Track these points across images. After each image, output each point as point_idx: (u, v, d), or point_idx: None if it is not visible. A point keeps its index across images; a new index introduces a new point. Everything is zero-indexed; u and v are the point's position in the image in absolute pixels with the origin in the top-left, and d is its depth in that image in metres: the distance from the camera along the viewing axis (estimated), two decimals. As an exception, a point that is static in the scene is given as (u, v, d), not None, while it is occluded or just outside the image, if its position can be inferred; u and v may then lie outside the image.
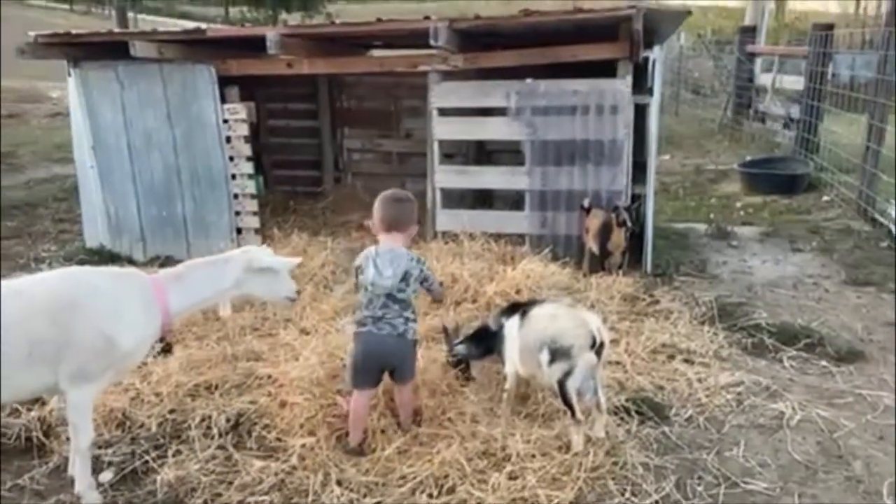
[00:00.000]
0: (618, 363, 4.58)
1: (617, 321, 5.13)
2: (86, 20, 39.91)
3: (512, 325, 3.86)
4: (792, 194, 9.39)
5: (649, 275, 6.17)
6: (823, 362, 4.69)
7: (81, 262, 6.94)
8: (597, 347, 3.55)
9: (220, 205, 6.82)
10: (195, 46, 6.68)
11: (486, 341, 4.06)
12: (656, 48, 6.44)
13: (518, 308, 3.93)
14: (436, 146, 6.44)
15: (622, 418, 3.98)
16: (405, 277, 3.52)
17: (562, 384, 3.57)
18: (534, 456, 3.52)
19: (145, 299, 3.39)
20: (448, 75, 6.37)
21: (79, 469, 3.40)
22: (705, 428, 3.97)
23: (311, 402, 3.87)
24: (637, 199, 6.28)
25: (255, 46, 6.34)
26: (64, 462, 3.68)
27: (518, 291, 5.08)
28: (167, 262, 6.92)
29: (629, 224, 5.89)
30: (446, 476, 3.40)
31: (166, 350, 3.74)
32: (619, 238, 5.85)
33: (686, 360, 4.65)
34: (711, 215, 8.64)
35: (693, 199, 9.80)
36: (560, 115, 6.18)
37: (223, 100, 6.69)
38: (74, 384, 3.24)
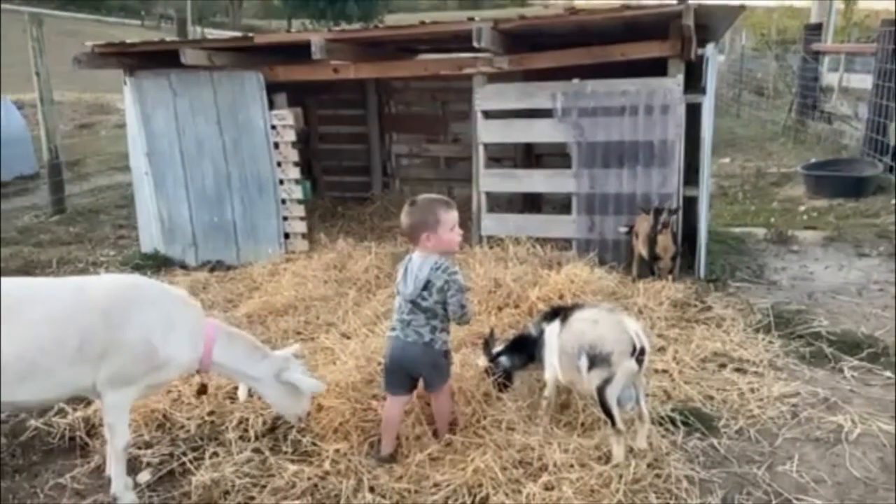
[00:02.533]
0: (664, 371, 4.40)
1: (665, 328, 4.94)
2: (154, 34, 41.44)
3: (552, 330, 3.74)
4: (859, 197, 8.94)
5: (702, 280, 5.94)
6: (888, 373, 4.40)
7: (137, 267, 7.17)
8: (637, 354, 3.41)
9: (268, 210, 6.90)
10: (244, 54, 6.78)
11: (528, 349, 3.94)
12: (710, 45, 6.22)
13: (559, 312, 3.81)
14: (481, 149, 6.36)
15: (667, 429, 3.81)
16: (427, 286, 3.38)
17: (601, 392, 3.44)
18: (572, 466, 3.39)
19: (195, 330, 3.46)
20: (493, 77, 6.29)
21: (114, 470, 3.43)
22: (756, 441, 3.76)
23: (346, 406, 3.82)
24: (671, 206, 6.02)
25: (303, 53, 6.38)
26: (105, 462, 3.73)
27: (561, 297, 4.94)
28: (217, 266, 7.05)
29: (671, 227, 5.65)
30: (480, 485, 3.30)
31: (201, 391, 3.79)
32: (666, 241, 5.65)
33: (738, 370, 4.44)
34: (772, 219, 8.31)
35: (753, 203, 9.45)
36: (608, 116, 6.02)
37: (271, 106, 6.77)
38: (113, 386, 3.29)
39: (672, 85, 5.84)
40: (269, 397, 3.71)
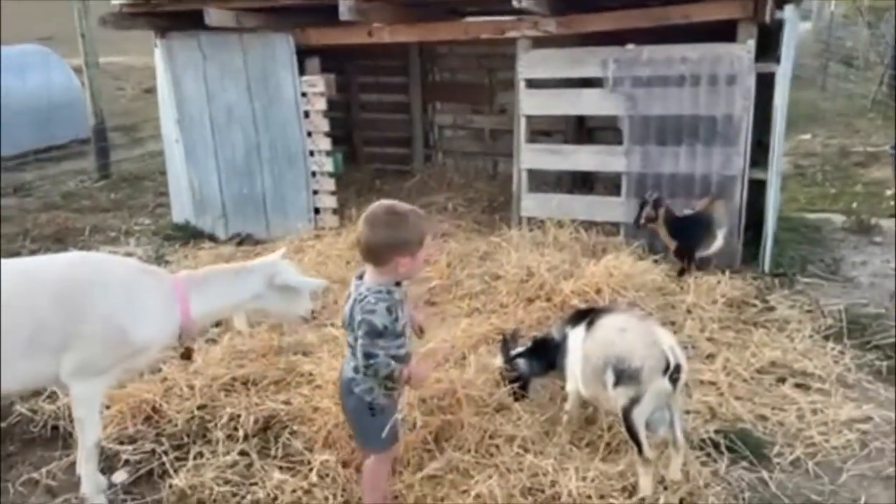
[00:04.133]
0: (711, 384, 3.85)
1: (717, 330, 4.37)
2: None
3: (576, 336, 3.25)
4: (957, 181, 7.98)
5: (766, 275, 5.29)
6: (984, 398, 3.73)
7: (167, 238, 6.96)
8: (671, 373, 2.88)
9: (297, 183, 6.54)
10: (274, 15, 6.36)
11: (549, 354, 3.45)
12: (789, 7, 5.45)
13: (585, 315, 3.31)
14: (523, 122, 5.81)
15: (708, 455, 3.29)
16: (350, 322, 2.65)
17: (627, 413, 2.94)
18: (589, 497, 2.93)
19: (166, 297, 3.14)
20: (539, 43, 5.71)
21: (85, 468, 3.16)
22: (815, 476, 3.20)
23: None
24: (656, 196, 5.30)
25: (337, 14, 5.93)
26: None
27: (598, 291, 4.40)
28: (247, 240, 6.77)
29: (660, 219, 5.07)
30: (481, 514, 2.88)
31: (186, 356, 3.44)
32: (664, 235, 5.10)
33: (799, 385, 3.85)
34: (854, 205, 7.47)
35: (833, 186, 8.57)
36: (665, 87, 5.37)
37: (304, 72, 6.36)
38: (80, 377, 3.00)
39: (741, 52, 5.14)
40: (270, 310, 3.47)
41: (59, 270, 3.06)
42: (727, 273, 5.02)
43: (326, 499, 3.05)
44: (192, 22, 6.45)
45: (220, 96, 6.62)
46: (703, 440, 3.36)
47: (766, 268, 5.37)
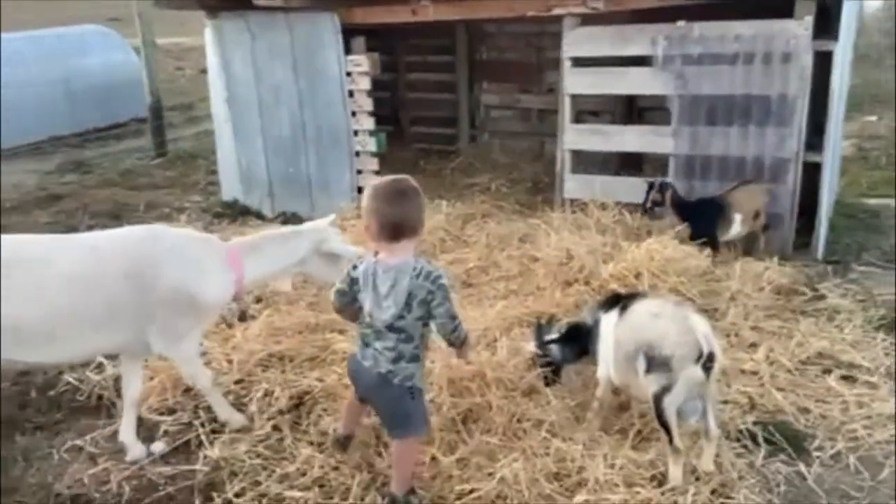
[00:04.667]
0: (753, 373, 3.73)
1: (762, 319, 4.22)
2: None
3: (609, 321, 3.19)
4: None
5: (819, 262, 5.09)
6: None
7: (217, 216, 7.10)
8: (704, 361, 2.80)
9: (341, 163, 6.58)
10: (321, -7, 6.37)
11: (582, 341, 3.40)
12: (850, -17, 5.18)
13: (619, 301, 3.24)
14: (567, 101, 5.70)
15: (745, 446, 3.20)
16: (408, 301, 2.62)
17: (658, 400, 2.88)
18: (616, 486, 2.88)
19: (221, 263, 3.33)
20: (587, 20, 5.57)
21: (215, 405, 3.45)
22: (856, 471, 3.08)
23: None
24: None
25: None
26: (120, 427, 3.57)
27: (638, 275, 4.30)
28: (292, 219, 6.84)
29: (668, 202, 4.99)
30: (505, 497, 2.86)
31: (242, 318, 3.56)
32: (672, 220, 5.02)
33: (846, 377, 3.70)
34: (918, 189, 7.10)
35: (898, 170, 8.15)
36: (717, 65, 5.18)
37: (350, 51, 6.37)
38: (170, 343, 3.22)
39: (798, 29, 4.91)
40: (313, 275, 3.64)
41: (129, 244, 3.19)
42: (776, 259, 4.85)
43: (353, 475, 3.07)
44: (240, 2, 6.52)
45: (267, 76, 6.69)
46: (740, 431, 3.27)
47: (820, 255, 5.17)
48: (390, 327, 2.66)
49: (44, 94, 10.83)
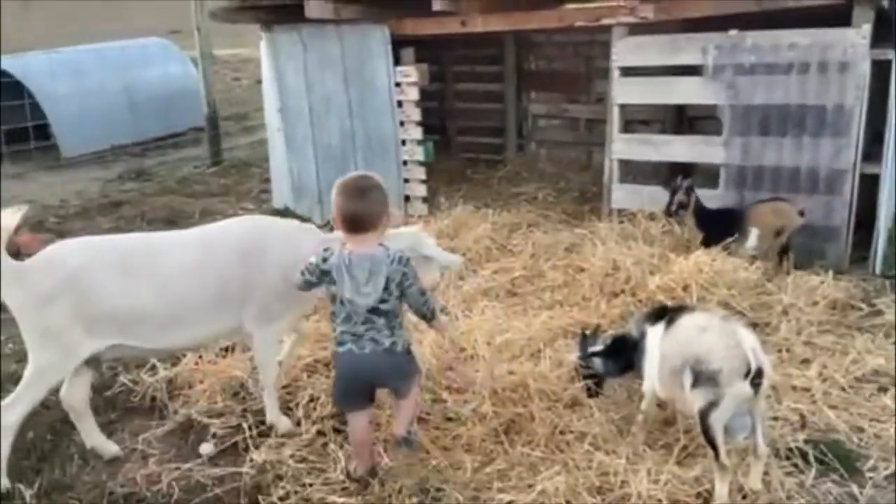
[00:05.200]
0: (805, 390, 3.63)
1: (816, 334, 4.11)
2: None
3: (654, 334, 3.15)
4: None
5: (876, 276, 4.92)
6: None
7: (268, 223, 7.26)
8: (753, 376, 2.74)
9: (389, 171, 6.65)
10: (372, 6, 6.49)
11: (626, 354, 3.36)
12: (911, -11, 5.02)
13: (665, 313, 3.20)
14: (616, 111, 5.66)
15: (795, 465, 3.11)
16: (387, 286, 2.84)
17: (704, 416, 2.83)
18: (660, 501, 2.84)
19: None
20: (636, 29, 5.53)
21: (268, 402, 3.54)
22: (912, 495, 2.96)
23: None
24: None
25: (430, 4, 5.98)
26: (178, 427, 3.68)
27: (686, 288, 4.24)
28: (341, 226, 6.96)
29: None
30: (545, 511, 2.85)
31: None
32: (691, 226, 5.01)
33: (903, 396, 3.56)
34: None
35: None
36: (770, 75, 5.09)
37: (399, 62, 6.46)
38: (260, 325, 3.38)
39: (855, 38, 4.79)
40: None
41: (237, 233, 3.41)
42: (831, 273, 4.71)
43: (396, 482, 3.10)
44: (293, 15, 6.68)
45: (318, 86, 6.82)
46: (790, 449, 3.18)
47: (877, 269, 5.00)
48: (374, 310, 2.85)
49: (107, 104, 11.25)
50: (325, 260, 2.89)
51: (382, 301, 2.84)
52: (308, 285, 3.03)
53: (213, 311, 3.28)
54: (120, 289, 3.09)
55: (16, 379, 4.12)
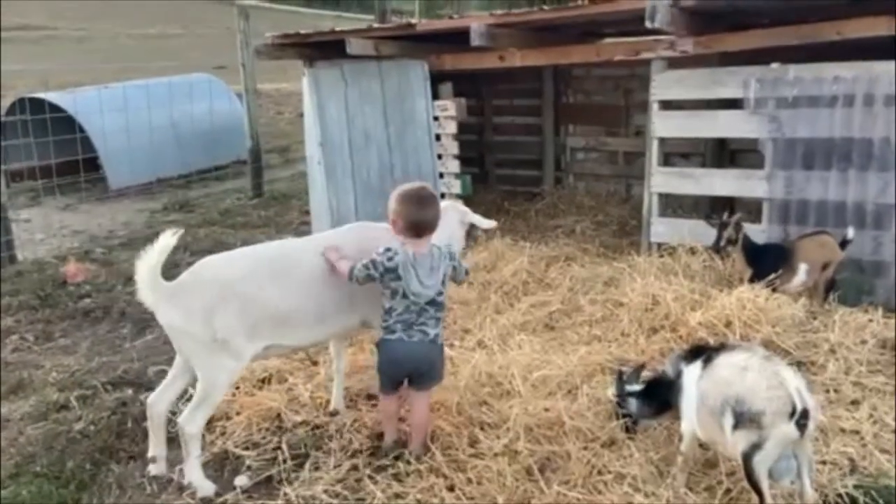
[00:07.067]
0: (854, 432, 3.49)
1: (865, 374, 3.96)
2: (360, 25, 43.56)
3: (692, 374, 3.07)
4: None
5: (930, 314, 4.74)
6: None
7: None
8: (798, 417, 2.65)
9: (427, 204, 6.69)
10: (411, 43, 6.60)
11: (662, 395, 3.28)
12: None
13: (702, 352, 3.13)
14: (655, 144, 5.62)
15: (844, 512, 2.98)
16: (443, 280, 3.34)
17: (747, 459, 2.74)
18: (701, 546, 2.74)
19: None
20: (675, 63, 5.51)
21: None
22: (971, 546, 2.81)
23: (439, 433, 3.46)
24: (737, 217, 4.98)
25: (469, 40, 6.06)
26: (214, 458, 3.69)
27: (728, 324, 4.14)
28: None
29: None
30: (583, 554, 2.78)
31: None
32: (739, 262, 4.89)
33: (959, 441, 3.40)
34: None
35: None
36: (814, 108, 5.00)
37: (437, 96, 6.53)
38: (378, 317, 3.53)
39: (902, 70, 4.69)
40: (455, 244, 4.02)
41: (355, 238, 3.66)
42: (881, 311, 4.56)
43: (428, 516, 3.06)
44: (335, 51, 6.84)
45: (358, 120, 6.92)
46: (839, 495, 3.05)
47: (931, 306, 4.82)
48: (431, 302, 3.30)
49: (154, 138, 11.57)
50: (390, 259, 3.24)
51: (439, 293, 3.31)
52: (369, 279, 3.33)
53: (346, 308, 3.55)
54: (274, 294, 3.36)
55: (58, 407, 4.25)
